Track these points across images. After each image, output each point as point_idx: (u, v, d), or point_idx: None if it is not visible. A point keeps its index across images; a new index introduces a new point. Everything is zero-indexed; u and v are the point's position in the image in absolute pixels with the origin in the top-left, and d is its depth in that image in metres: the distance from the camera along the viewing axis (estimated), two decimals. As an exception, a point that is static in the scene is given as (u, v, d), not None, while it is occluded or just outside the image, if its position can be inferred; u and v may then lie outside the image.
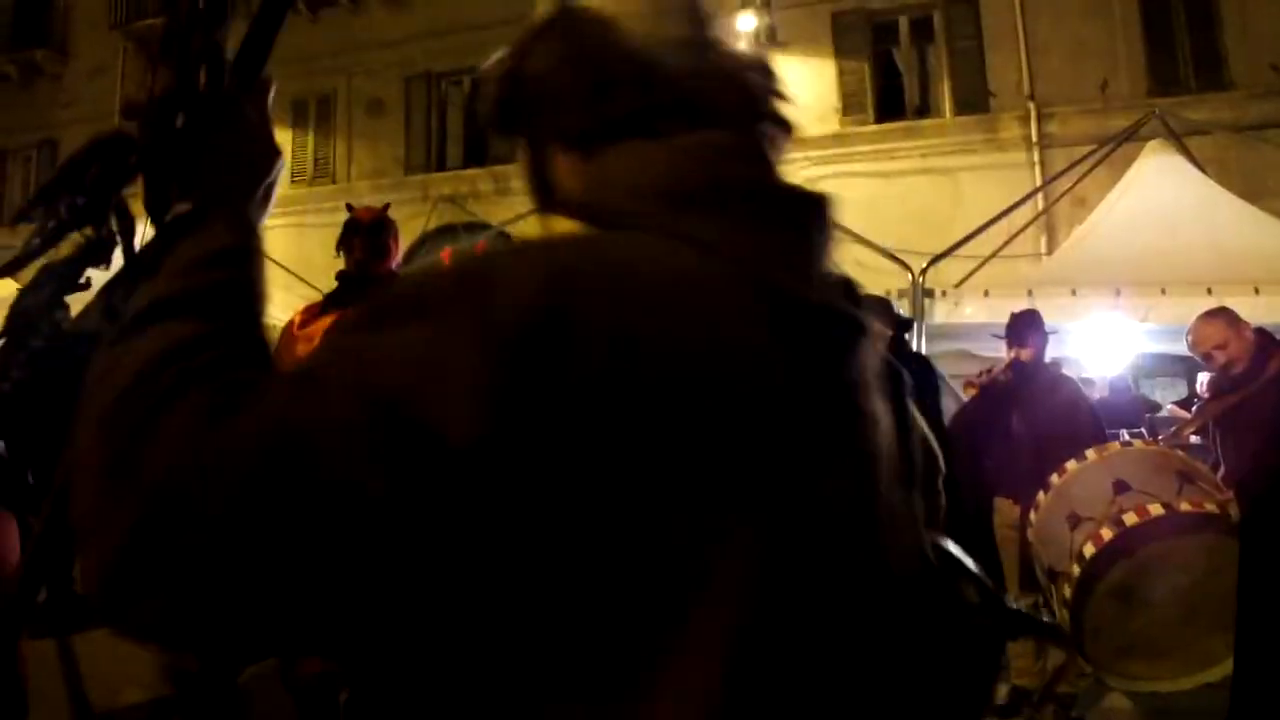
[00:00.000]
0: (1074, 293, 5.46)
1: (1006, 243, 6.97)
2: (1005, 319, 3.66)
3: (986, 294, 5.85)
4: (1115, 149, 7.52)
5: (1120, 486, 2.80)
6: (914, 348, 5.65)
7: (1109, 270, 5.64)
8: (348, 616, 0.45)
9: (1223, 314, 3.02)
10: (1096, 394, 6.22)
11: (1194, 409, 5.78)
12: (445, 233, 11.43)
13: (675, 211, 0.57)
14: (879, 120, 10.00)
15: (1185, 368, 8.19)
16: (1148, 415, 6.82)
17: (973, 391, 3.57)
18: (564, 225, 0.61)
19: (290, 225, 12.56)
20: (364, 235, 2.71)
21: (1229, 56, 8.89)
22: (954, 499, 0.89)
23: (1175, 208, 6.41)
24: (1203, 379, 6.92)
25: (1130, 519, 2.69)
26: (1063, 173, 8.07)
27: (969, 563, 0.68)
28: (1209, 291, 4.90)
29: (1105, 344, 6.24)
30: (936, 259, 6.12)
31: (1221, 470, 2.97)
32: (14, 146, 14.66)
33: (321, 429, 0.45)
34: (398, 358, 0.46)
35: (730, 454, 0.50)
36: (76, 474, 0.49)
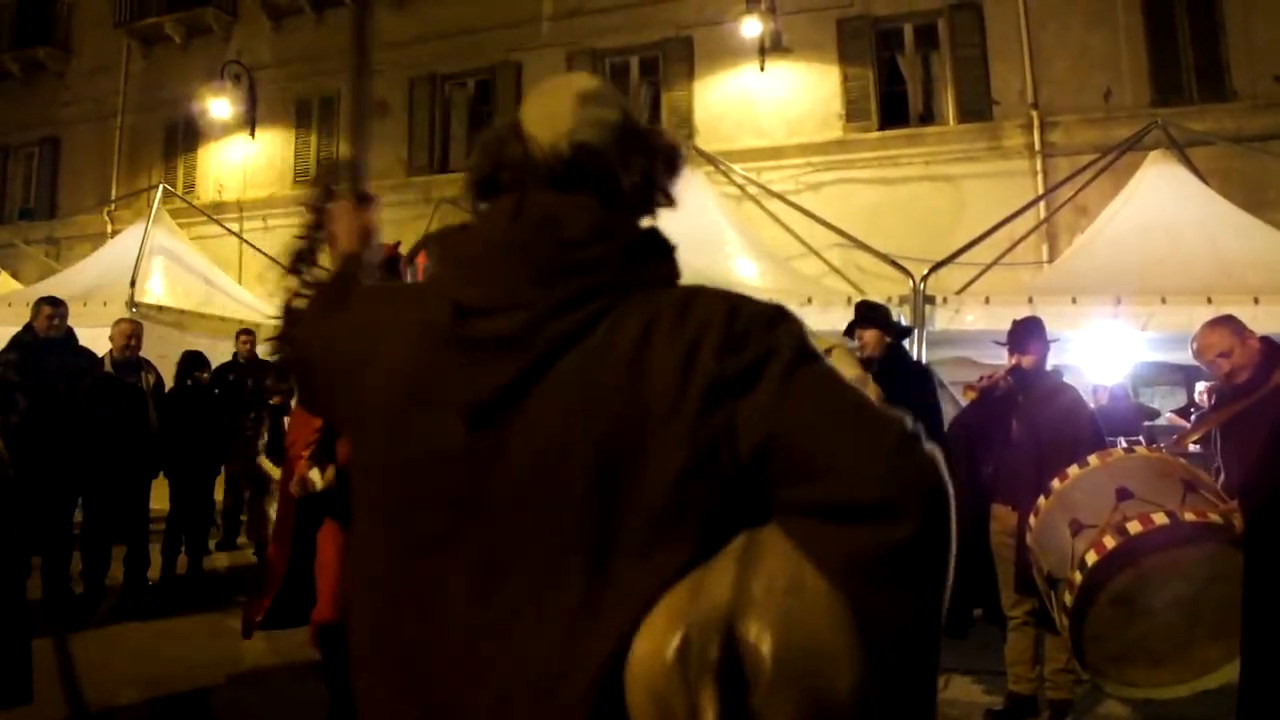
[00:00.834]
0: (1074, 301, 5.46)
1: (1008, 250, 6.98)
2: (1006, 326, 3.65)
3: (987, 301, 5.85)
4: (1117, 158, 7.52)
5: (1123, 494, 2.77)
6: (914, 355, 5.65)
7: (1110, 279, 5.64)
8: None
9: (1228, 322, 2.97)
10: (1094, 402, 6.21)
11: (1193, 417, 5.79)
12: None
13: None
14: (882, 127, 10.00)
15: (1184, 376, 8.18)
16: (1145, 424, 6.82)
17: (973, 395, 3.55)
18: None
19: (292, 225, 12.39)
20: (405, 269, 2.83)
21: (1232, 67, 8.90)
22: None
23: (1176, 217, 6.41)
24: (1200, 387, 6.93)
25: (1134, 527, 2.65)
26: (1065, 181, 8.08)
27: None
28: (1209, 301, 4.89)
29: (1105, 352, 6.24)
30: (938, 266, 6.13)
31: (1222, 478, 2.96)
32: (16, 144, 14.66)
33: None
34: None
35: None
36: None
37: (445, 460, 0.74)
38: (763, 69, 10.20)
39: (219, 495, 6.27)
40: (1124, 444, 3.85)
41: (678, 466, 0.68)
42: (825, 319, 4.72)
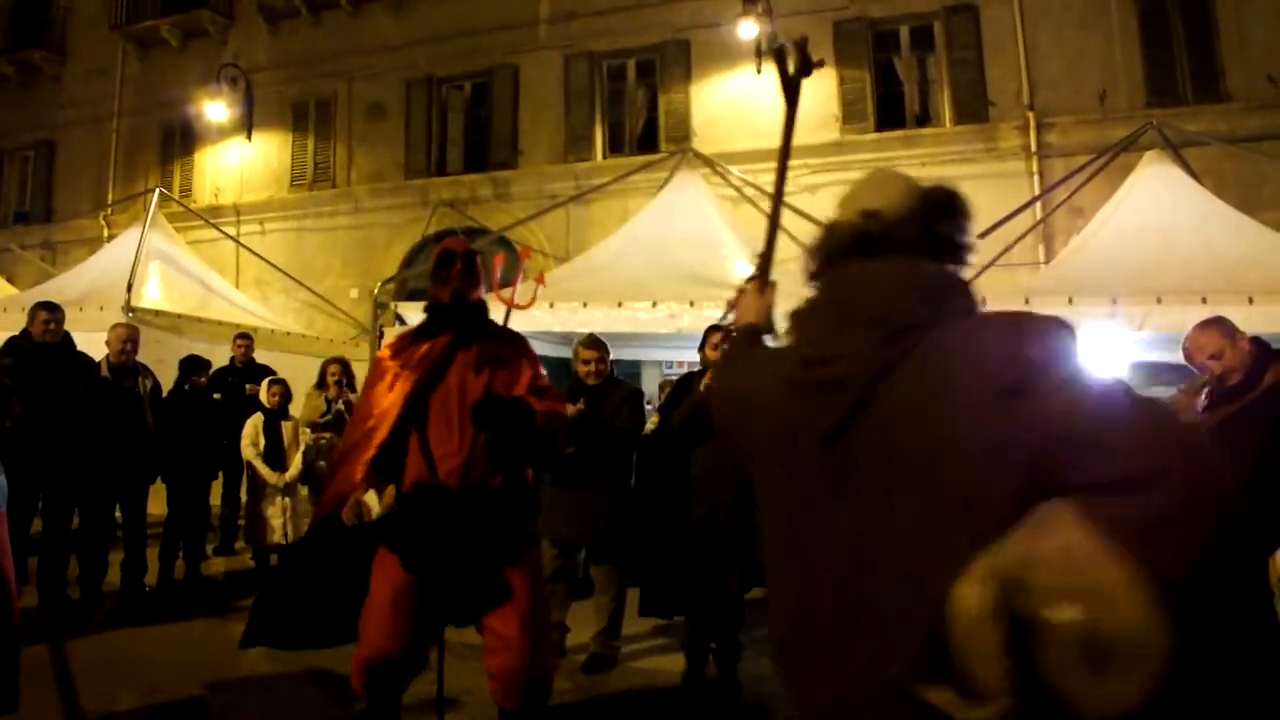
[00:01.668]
0: (1070, 301, 5.47)
1: (1004, 251, 6.98)
2: (1003, 327, 3.65)
3: (984, 301, 5.82)
4: (1113, 159, 7.55)
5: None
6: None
7: (1105, 279, 5.66)
8: None
9: (1219, 324, 2.95)
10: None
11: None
12: (445, 238, 11.42)
13: None
14: (879, 129, 10.03)
15: (1179, 376, 8.19)
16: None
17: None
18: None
19: (289, 229, 12.54)
20: (461, 266, 2.68)
21: (1226, 69, 8.94)
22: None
23: (1172, 218, 6.44)
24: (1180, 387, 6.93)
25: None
26: (1061, 182, 8.10)
27: None
28: (1204, 301, 4.91)
29: (1101, 352, 6.25)
30: (934, 267, 6.13)
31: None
32: (11, 147, 14.64)
33: None
34: None
35: None
36: None
37: (812, 472, 1.03)
38: (759, 71, 10.21)
39: (216, 500, 6.26)
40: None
41: (982, 459, 0.87)
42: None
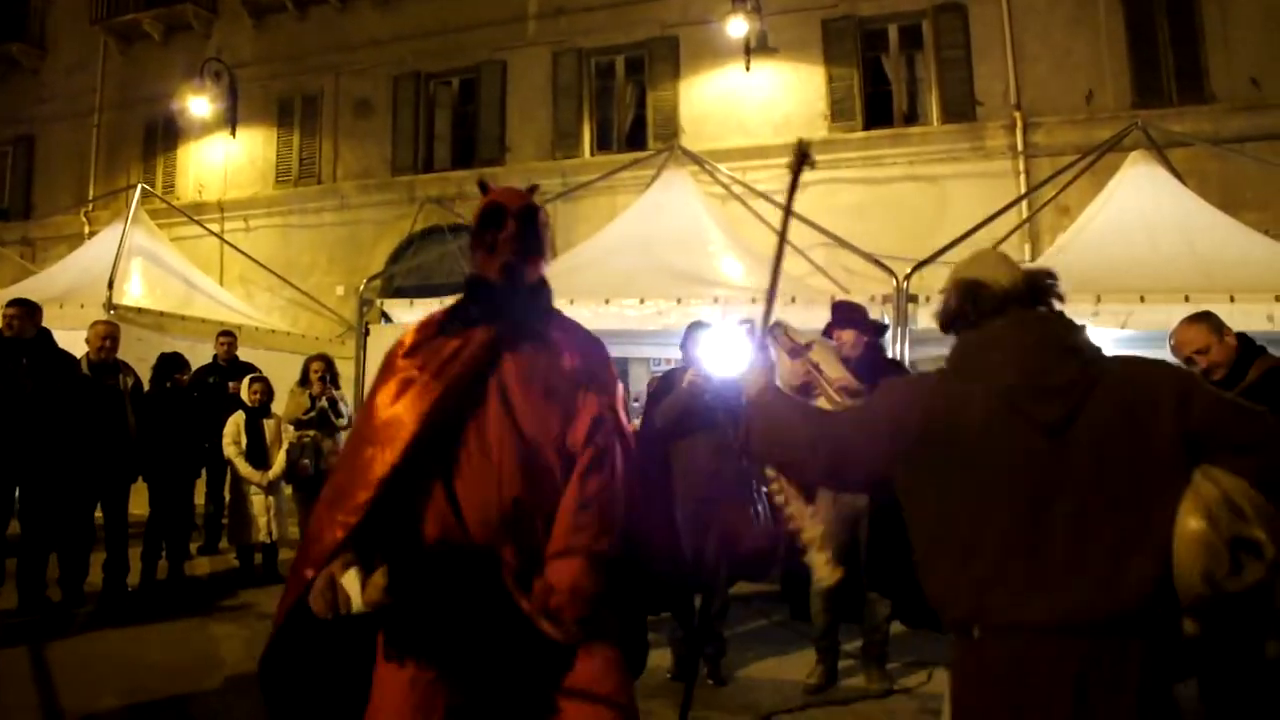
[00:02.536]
0: (1056, 299, 5.51)
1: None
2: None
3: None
4: (1098, 159, 7.61)
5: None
6: (896, 353, 5.68)
7: (1090, 277, 5.70)
8: None
9: (1206, 319, 2.97)
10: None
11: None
12: (431, 235, 11.37)
13: None
14: (867, 127, 10.06)
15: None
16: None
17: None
18: None
19: (274, 226, 12.42)
20: (517, 227, 1.74)
21: (1210, 71, 9.03)
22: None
23: (1156, 217, 6.50)
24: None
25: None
26: (1047, 181, 8.16)
27: None
28: (1187, 299, 4.96)
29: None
30: (921, 265, 6.16)
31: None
32: (-10, 141, 14.44)
33: None
34: None
35: None
36: None
37: (1035, 456, 1.38)
38: (748, 69, 10.22)
39: (201, 499, 6.19)
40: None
41: (1167, 444, 1.36)
42: (809, 317, 4.73)
